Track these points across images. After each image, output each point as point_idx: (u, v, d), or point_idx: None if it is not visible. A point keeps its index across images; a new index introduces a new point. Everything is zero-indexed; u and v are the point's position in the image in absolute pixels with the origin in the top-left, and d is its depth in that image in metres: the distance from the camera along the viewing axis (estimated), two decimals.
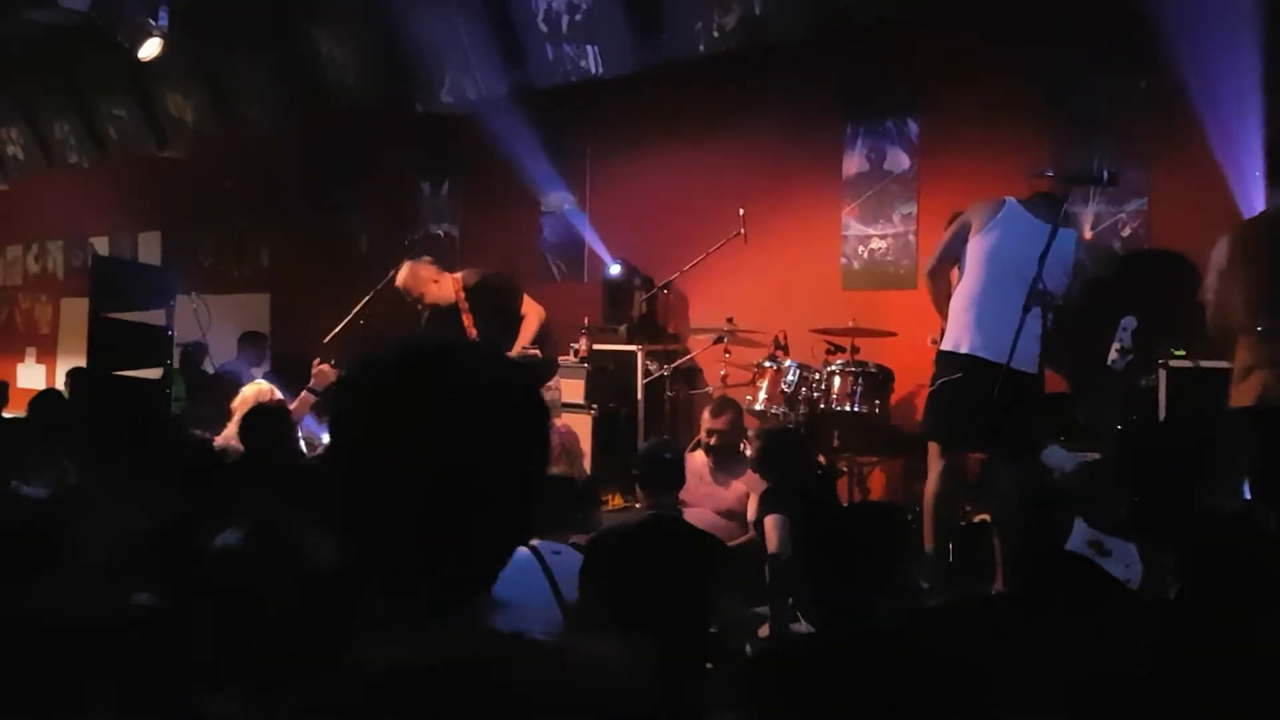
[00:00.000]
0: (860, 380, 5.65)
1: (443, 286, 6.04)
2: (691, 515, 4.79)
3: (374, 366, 1.16)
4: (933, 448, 4.71)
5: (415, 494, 1.09)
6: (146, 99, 9.88)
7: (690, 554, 2.70)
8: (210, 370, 8.90)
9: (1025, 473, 4.54)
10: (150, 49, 6.89)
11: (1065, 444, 4.88)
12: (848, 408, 5.63)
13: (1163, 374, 4.89)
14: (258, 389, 6.33)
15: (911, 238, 6.49)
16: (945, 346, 4.66)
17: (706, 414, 5.21)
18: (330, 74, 8.37)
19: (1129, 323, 4.72)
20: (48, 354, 12.34)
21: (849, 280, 6.73)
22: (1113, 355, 4.70)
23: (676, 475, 3.84)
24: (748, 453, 5.33)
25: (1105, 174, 4.86)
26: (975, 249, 4.62)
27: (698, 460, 5.08)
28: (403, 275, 6.07)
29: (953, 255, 4.74)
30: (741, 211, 6.42)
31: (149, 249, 11.21)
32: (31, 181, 11.88)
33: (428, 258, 6.34)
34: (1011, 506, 4.53)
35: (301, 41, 8.39)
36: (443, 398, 1.11)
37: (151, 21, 6.65)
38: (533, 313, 6.00)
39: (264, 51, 8.74)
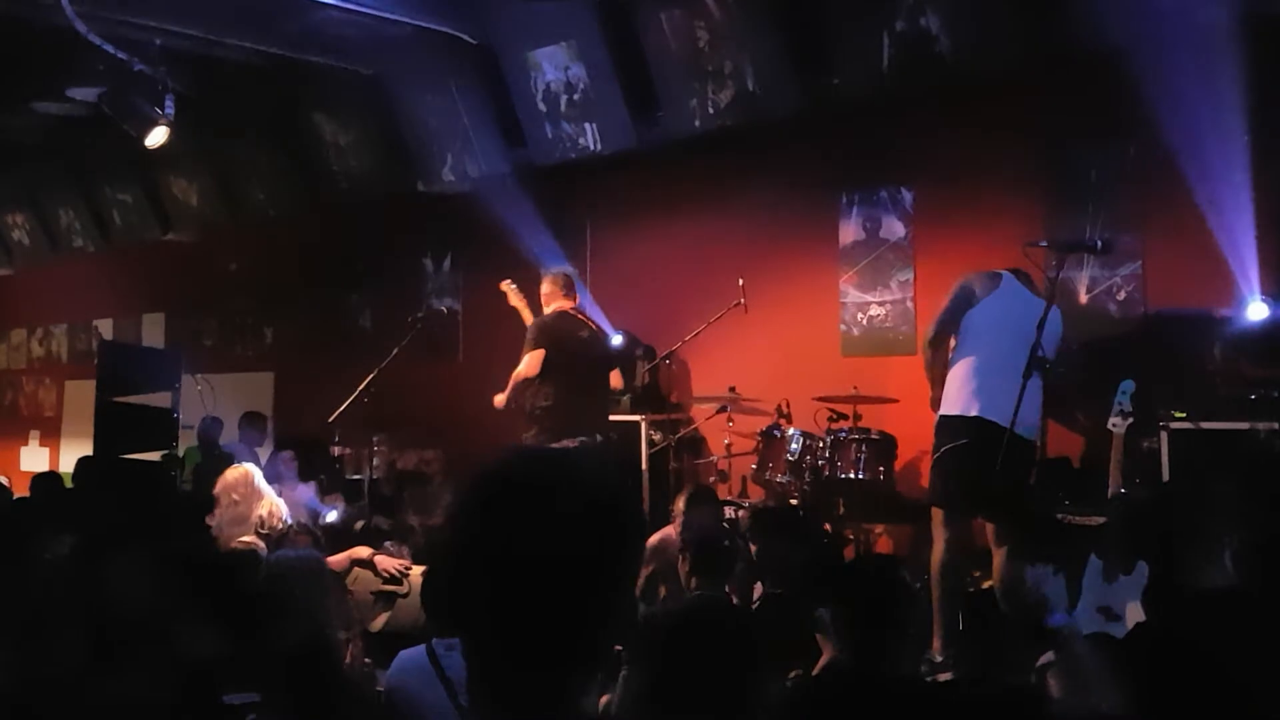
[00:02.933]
0: (864, 447, 5.67)
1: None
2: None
3: (489, 479, 1.23)
4: (937, 515, 4.72)
5: (523, 598, 1.15)
6: (151, 184, 10.04)
7: (745, 642, 2.66)
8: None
9: (1025, 541, 4.55)
10: (157, 137, 7.02)
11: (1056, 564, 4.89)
12: (852, 475, 5.64)
13: (1164, 436, 4.90)
14: (238, 473, 6.32)
15: (909, 304, 6.57)
16: (949, 411, 4.69)
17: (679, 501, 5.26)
18: (333, 157, 8.53)
19: (1128, 386, 4.77)
20: (51, 436, 12.36)
21: (849, 347, 6.78)
22: (1113, 419, 4.74)
23: (730, 560, 3.81)
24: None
25: (1098, 242, 4.95)
26: (978, 318, 4.70)
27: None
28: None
29: (954, 323, 4.80)
30: (741, 281, 6.50)
31: (153, 330, 11.30)
32: (36, 266, 12.02)
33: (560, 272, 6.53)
34: (1013, 580, 4.52)
35: (305, 127, 8.56)
36: (552, 510, 1.17)
37: (158, 110, 6.78)
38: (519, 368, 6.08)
39: (268, 137, 8.91)
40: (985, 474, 4.40)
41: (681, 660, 2.23)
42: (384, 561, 5.12)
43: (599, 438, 6.08)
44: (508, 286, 6.65)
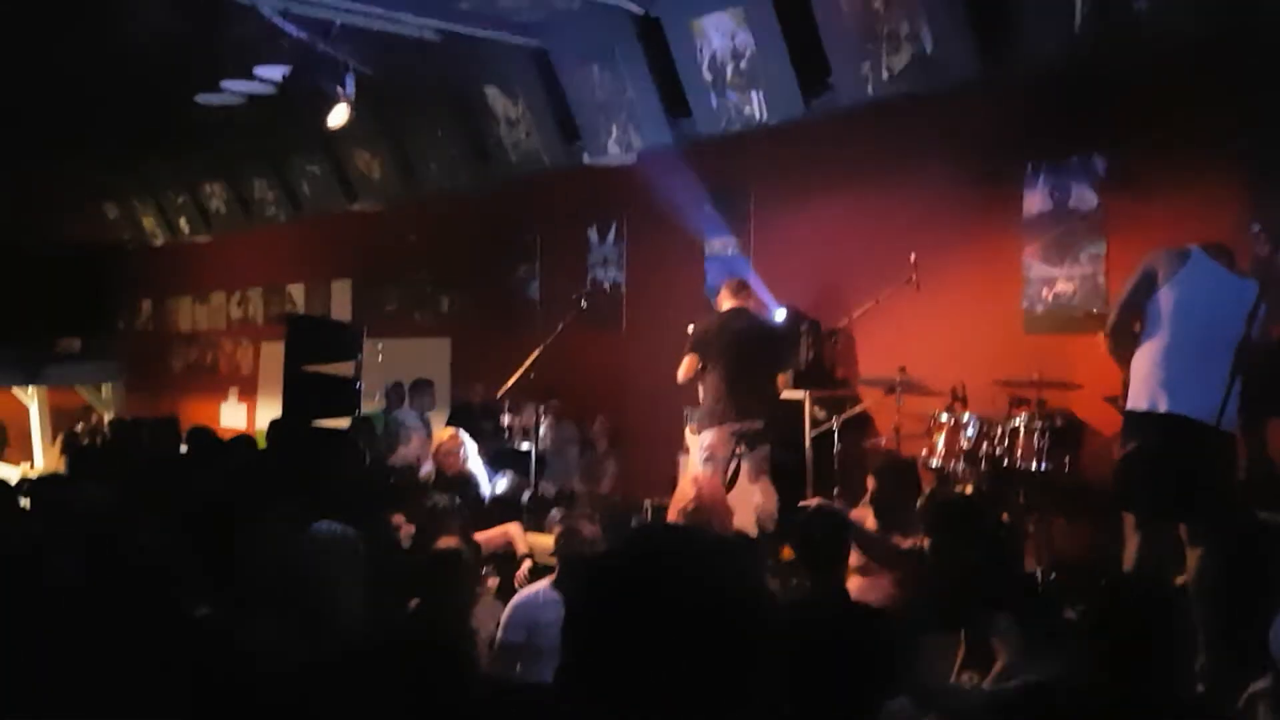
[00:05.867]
0: (1047, 435, 5.34)
1: None
2: (863, 585, 4.63)
3: (618, 563, 1.23)
4: (1128, 518, 4.39)
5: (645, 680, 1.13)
6: (336, 157, 10.47)
7: (862, 645, 2.56)
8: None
9: (1227, 543, 4.18)
10: (338, 117, 7.28)
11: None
12: (1033, 465, 5.33)
13: None
14: (447, 435, 6.75)
15: (1100, 279, 6.13)
16: (1135, 407, 4.33)
17: (870, 475, 5.04)
18: (503, 131, 8.65)
19: None
20: (249, 394, 13.19)
21: (1032, 325, 6.41)
22: None
23: (839, 548, 3.67)
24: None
25: None
26: (1164, 301, 4.29)
27: (867, 523, 4.91)
28: None
29: (1136, 309, 4.41)
30: (913, 257, 6.22)
31: (340, 296, 11.85)
32: (233, 233, 12.77)
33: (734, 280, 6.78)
34: (1211, 581, 4.18)
35: (476, 101, 8.70)
36: (675, 594, 1.16)
37: (340, 89, 7.01)
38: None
39: (442, 111, 9.11)
40: (1176, 475, 4.06)
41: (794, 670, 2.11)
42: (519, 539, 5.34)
43: (760, 424, 6.24)
44: None
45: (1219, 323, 4.15)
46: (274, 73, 7.94)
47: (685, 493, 4.63)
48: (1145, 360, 4.31)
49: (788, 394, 6.64)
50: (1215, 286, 4.27)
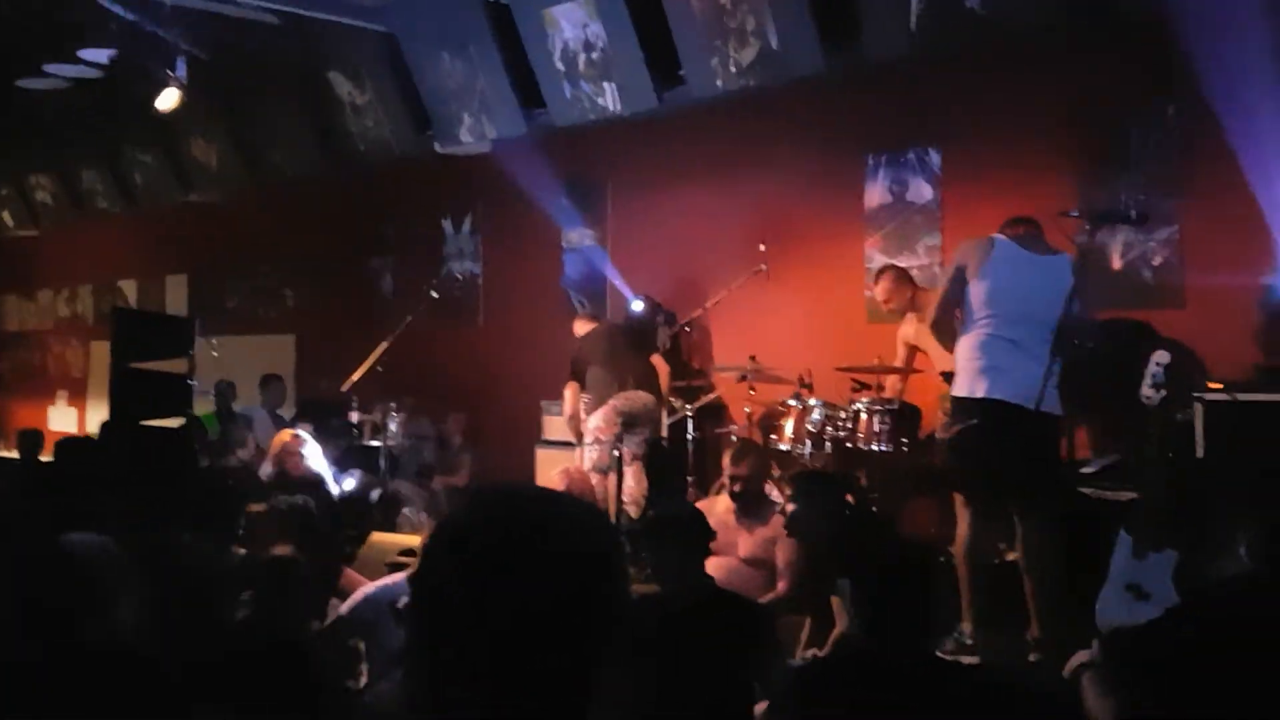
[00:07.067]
0: (887, 418, 5.53)
1: None
2: (716, 564, 4.69)
3: (467, 520, 1.16)
4: (958, 496, 4.58)
5: (493, 643, 1.08)
6: (171, 145, 9.99)
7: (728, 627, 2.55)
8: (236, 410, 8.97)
9: (1053, 518, 4.41)
10: (168, 100, 6.94)
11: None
12: (875, 447, 5.51)
13: (1199, 408, 4.73)
14: (287, 434, 6.42)
15: (937, 269, 6.38)
16: (959, 392, 4.53)
17: (727, 459, 5.11)
18: (350, 118, 8.42)
19: (1162, 357, 4.59)
20: (79, 397, 12.46)
21: (875, 314, 6.62)
22: (1146, 391, 4.56)
23: (702, 535, 3.67)
24: (774, 496, 5.24)
25: (1134, 213, 4.74)
26: (975, 293, 4.49)
27: (721, 506, 4.98)
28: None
29: (953, 304, 4.60)
30: (762, 247, 6.35)
31: (176, 292, 11.30)
32: (61, 227, 12.04)
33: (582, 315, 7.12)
34: (1041, 554, 4.40)
35: (322, 87, 8.44)
36: (528, 554, 1.10)
37: (169, 73, 6.69)
38: None
39: (284, 98, 8.81)
40: (1000, 456, 4.27)
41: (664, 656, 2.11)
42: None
43: (641, 402, 6.44)
44: None
45: (1033, 306, 4.33)
46: (100, 56, 7.54)
47: (554, 484, 4.61)
48: (964, 348, 4.51)
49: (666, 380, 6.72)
50: (1023, 272, 4.45)
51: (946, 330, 4.64)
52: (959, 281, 4.54)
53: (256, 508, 4.69)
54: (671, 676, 2.14)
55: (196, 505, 4.72)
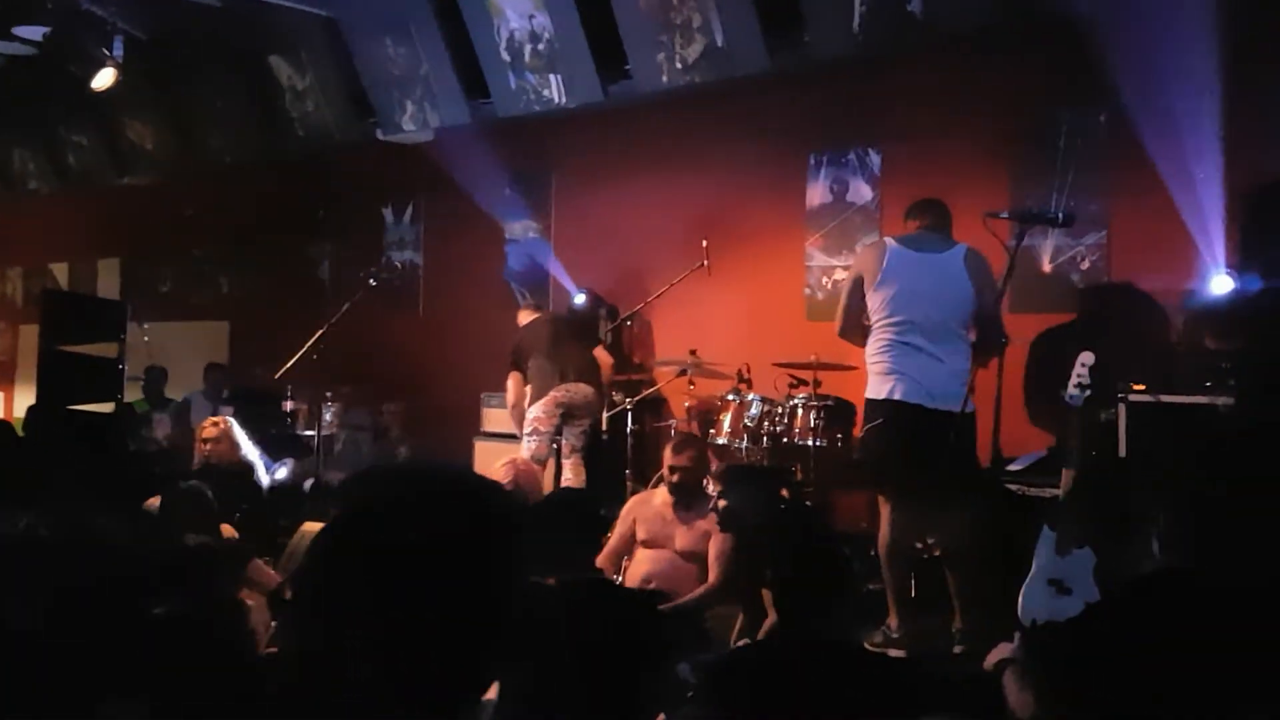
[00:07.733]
0: (822, 414, 5.60)
1: None
2: (652, 557, 4.72)
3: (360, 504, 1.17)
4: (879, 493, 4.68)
5: (392, 617, 1.08)
6: (107, 127, 9.76)
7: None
8: (170, 397, 8.82)
9: (972, 513, 4.50)
10: (104, 79, 6.79)
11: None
12: (810, 441, 5.58)
13: (1122, 408, 4.86)
14: (211, 422, 6.27)
15: None
16: (867, 394, 4.65)
17: (668, 450, 5.14)
18: (290, 102, 8.30)
19: (1087, 358, 4.71)
20: (6, 382, 12.12)
21: (814, 312, 6.70)
22: (1071, 390, 4.68)
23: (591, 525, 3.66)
24: (711, 489, 5.28)
25: (1060, 215, 4.85)
26: (873, 301, 4.60)
27: (659, 498, 5.01)
28: None
29: (856, 311, 4.72)
30: (705, 243, 6.39)
31: (108, 276, 11.05)
32: None
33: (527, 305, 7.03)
34: (960, 544, 4.50)
35: (262, 71, 8.31)
36: (424, 527, 1.11)
37: (105, 52, 6.54)
38: None
39: (223, 81, 8.65)
40: (908, 455, 4.38)
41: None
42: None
43: (582, 394, 6.43)
44: None
45: (928, 308, 4.47)
46: (34, 33, 7.34)
47: (498, 476, 4.58)
48: (869, 352, 4.64)
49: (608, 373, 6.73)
50: (916, 275, 4.54)
51: (855, 336, 4.78)
52: (858, 291, 4.66)
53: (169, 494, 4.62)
54: (560, 671, 2.13)
55: (110, 490, 4.65)
